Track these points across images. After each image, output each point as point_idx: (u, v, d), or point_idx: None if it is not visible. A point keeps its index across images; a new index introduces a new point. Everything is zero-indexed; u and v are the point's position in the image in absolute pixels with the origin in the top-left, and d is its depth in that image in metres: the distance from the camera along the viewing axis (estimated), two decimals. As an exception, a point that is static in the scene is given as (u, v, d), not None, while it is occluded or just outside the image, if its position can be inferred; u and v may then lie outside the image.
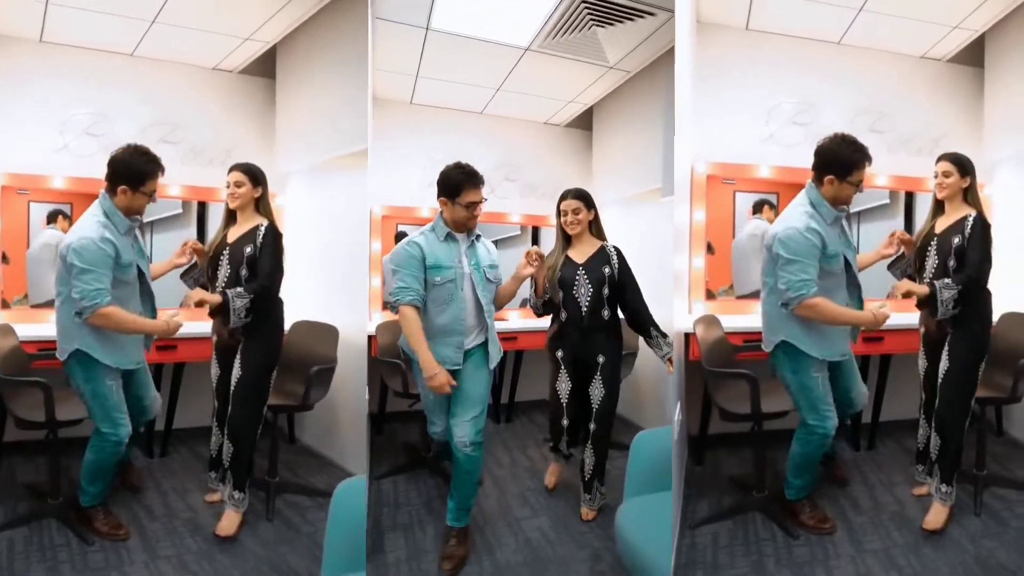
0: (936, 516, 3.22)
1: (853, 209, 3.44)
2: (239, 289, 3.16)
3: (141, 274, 3.11)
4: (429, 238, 3.08)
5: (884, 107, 4.18)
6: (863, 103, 4.17)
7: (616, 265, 3.36)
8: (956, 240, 3.17)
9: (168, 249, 3.94)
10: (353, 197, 3.68)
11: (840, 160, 3.02)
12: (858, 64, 4.18)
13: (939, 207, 3.29)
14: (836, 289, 3.07)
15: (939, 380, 3.23)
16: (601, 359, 3.35)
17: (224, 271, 3.25)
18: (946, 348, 3.20)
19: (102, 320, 2.92)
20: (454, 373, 3.03)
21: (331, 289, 3.86)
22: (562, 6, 3.73)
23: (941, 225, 3.26)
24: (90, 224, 2.96)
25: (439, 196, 3.08)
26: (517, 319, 4.32)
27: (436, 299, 3.05)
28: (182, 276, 3.41)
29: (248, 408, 3.27)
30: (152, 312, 3.17)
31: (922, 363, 3.38)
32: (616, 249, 3.40)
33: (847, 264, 3.09)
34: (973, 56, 4.21)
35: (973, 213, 3.18)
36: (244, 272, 3.24)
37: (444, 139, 4.24)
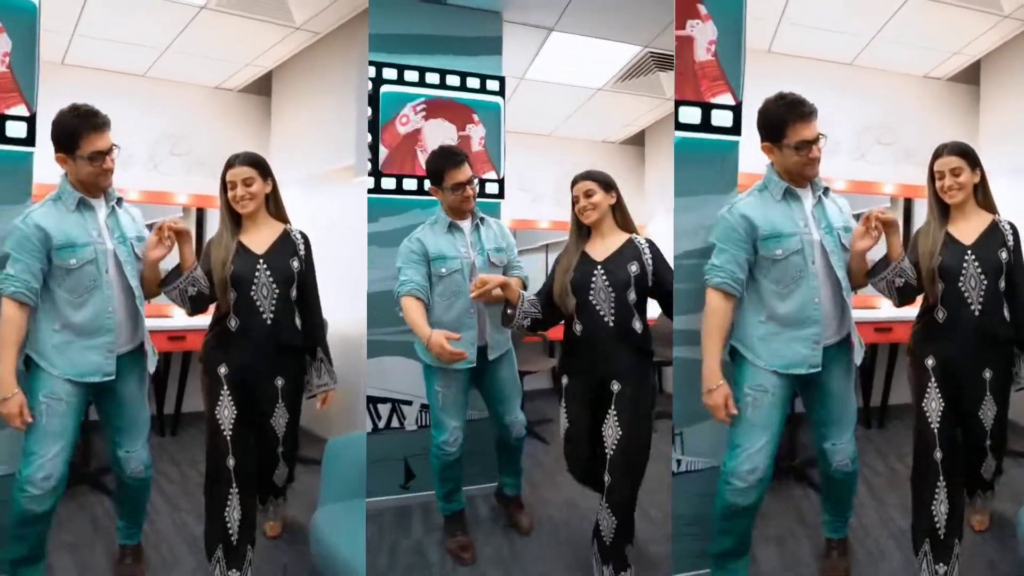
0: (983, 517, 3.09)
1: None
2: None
3: (118, 263, 2.53)
4: (433, 230, 3.00)
5: (890, 121, 4.57)
6: (871, 118, 4.54)
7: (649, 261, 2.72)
8: (1003, 255, 2.57)
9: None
10: (347, 206, 3.77)
11: (768, 122, 2.50)
12: (867, 82, 4.49)
13: (944, 212, 2.61)
14: (787, 281, 2.52)
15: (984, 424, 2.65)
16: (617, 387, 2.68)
17: (267, 291, 2.66)
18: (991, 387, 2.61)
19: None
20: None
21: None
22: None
23: (967, 235, 2.58)
24: (35, 206, 2.51)
25: (430, 186, 3.02)
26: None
27: (442, 294, 2.97)
28: (165, 289, 2.63)
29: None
30: (133, 311, 2.57)
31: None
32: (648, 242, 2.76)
33: (822, 251, 2.53)
34: (970, 75, 4.62)
35: (1003, 219, 2.62)
36: (294, 294, 2.74)
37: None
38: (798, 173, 2.52)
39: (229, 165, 2.68)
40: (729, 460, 2.55)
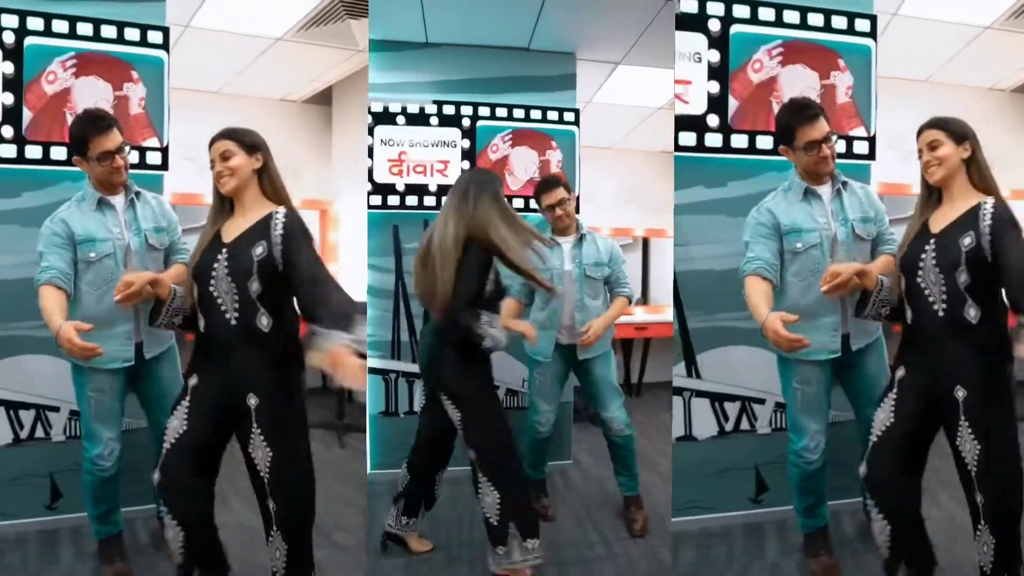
0: None
1: (900, 215, 3.22)
2: None
3: (131, 257, 2.67)
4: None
5: None
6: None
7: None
8: (967, 241, 2.20)
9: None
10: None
11: (780, 127, 2.69)
12: (940, 96, 5.04)
13: (929, 197, 2.38)
14: (806, 273, 2.66)
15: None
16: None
17: (225, 286, 2.22)
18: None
19: (40, 300, 2.49)
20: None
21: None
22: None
23: (940, 222, 2.31)
24: (62, 207, 2.70)
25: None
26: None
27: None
28: (155, 325, 2.40)
29: None
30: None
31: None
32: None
33: (835, 244, 2.67)
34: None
35: (990, 200, 2.25)
36: (255, 288, 2.21)
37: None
38: (813, 171, 2.68)
39: (211, 143, 2.34)
40: (796, 441, 2.79)
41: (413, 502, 3.06)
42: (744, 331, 2.83)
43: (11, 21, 3.11)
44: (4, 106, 3.08)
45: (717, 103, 3.16)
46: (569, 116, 4.36)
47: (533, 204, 4.14)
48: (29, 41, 3.13)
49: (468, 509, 3.49)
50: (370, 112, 4.16)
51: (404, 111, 4.18)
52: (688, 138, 3.18)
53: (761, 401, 3.31)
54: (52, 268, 2.51)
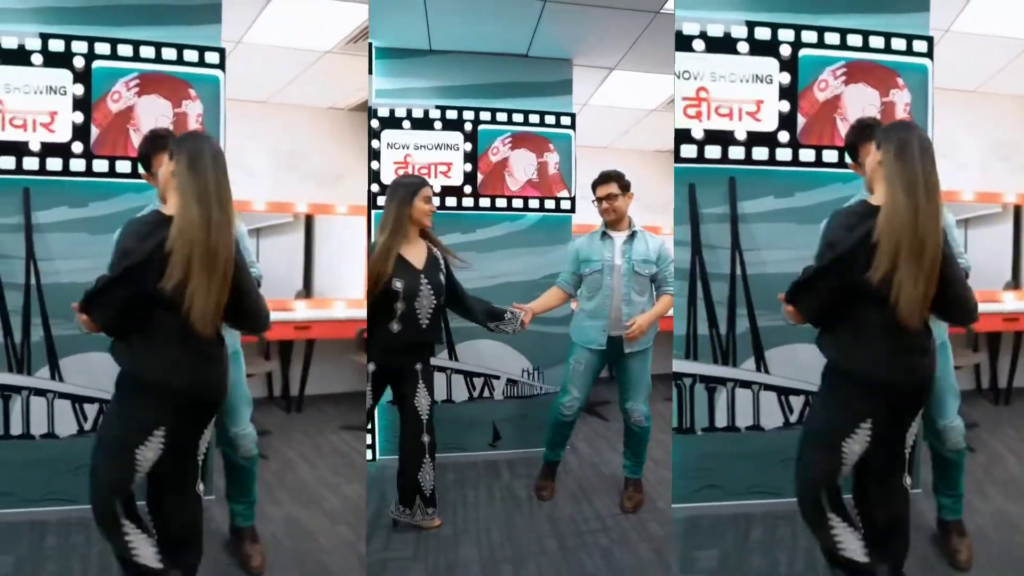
0: None
1: (964, 215, 3.65)
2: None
3: None
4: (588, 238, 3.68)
5: (1009, 138, 5.28)
6: (993, 136, 5.21)
7: None
8: None
9: (272, 256, 5.89)
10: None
11: (847, 144, 2.84)
12: (987, 105, 5.26)
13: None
14: None
15: None
16: None
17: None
18: None
19: None
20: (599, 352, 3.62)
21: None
22: None
23: None
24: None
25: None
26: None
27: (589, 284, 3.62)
28: None
29: None
30: None
31: None
32: None
33: None
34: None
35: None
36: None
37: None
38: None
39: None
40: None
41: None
42: (809, 330, 3.02)
43: (81, 47, 3.34)
44: (75, 124, 3.31)
45: (787, 120, 3.45)
46: (566, 120, 4.66)
47: (532, 204, 4.45)
48: (97, 64, 3.35)
49: (473, 491, 3.90)
50: (376, 116, 4.38)
51: (409, 115, 4.43)
52: (761, 152, 3.45)
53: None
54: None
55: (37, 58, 3.31)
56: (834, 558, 2.40)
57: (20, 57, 3.29)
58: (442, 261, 3.36)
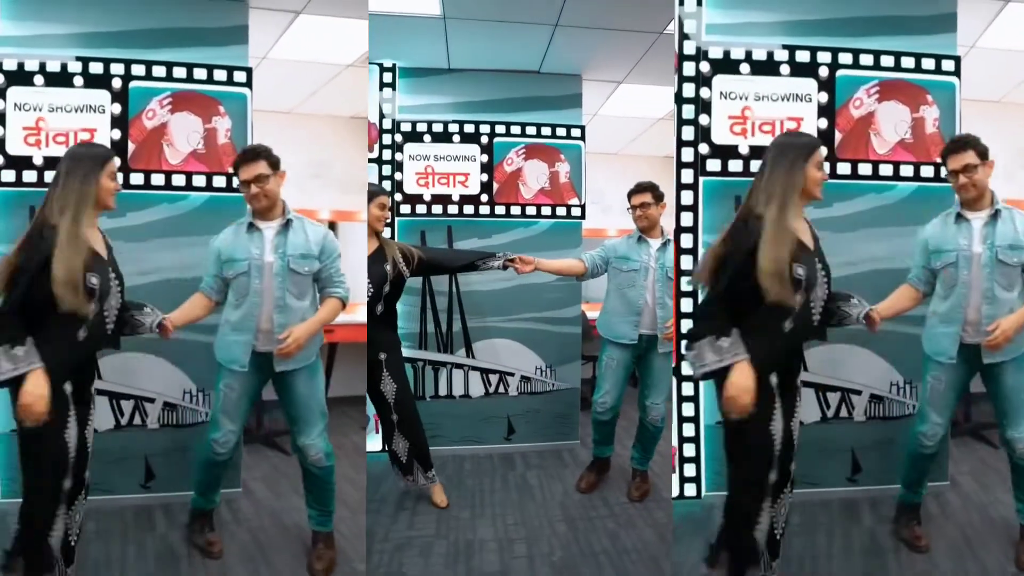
0: None
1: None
2: None
3: (272, 275, 2.96)
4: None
5: None
6: (1017, 145, 5.37)
7: None
8: None
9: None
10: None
11: (941, 157, 3.04)
12: (1012, 115, 5.43)
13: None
14: (946, 287, 3.00)
15: None
16: None
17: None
18: None
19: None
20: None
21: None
22: None
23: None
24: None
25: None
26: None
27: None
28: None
29: None
30: (287, 314, 2.97)
31: None
32: None
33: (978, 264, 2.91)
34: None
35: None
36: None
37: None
38: (960, 196, 2.98)
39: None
40: (920, 425, 3.13)
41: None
42: (846, 332, 3.02)
43: (118, 69, 3.57)
44: (112, 140, 3.53)
45: (825, 136, 3.66)
46: (576, 132, 4.89)
47: (545, 211, 4.66)
48: (133, 84, 3.59)
49: (489, 480, 4.23)
50: (399, 131, 4.64)
51: (430, 129, 4.68)
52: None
53: (858, 392, 3.75)
54: (203, 279, 3.04)
55: (78, 80, 3.52)
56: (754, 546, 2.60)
57: (62, 79, 3.51)
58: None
